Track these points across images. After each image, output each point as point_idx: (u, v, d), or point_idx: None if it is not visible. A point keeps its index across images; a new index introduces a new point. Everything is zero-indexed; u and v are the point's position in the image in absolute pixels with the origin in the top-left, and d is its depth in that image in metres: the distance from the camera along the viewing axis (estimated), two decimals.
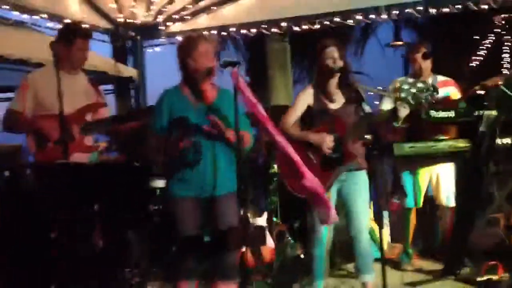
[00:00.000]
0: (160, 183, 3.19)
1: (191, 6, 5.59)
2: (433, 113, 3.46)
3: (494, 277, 3.29)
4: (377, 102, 4.06)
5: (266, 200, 3.75)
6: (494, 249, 3.58)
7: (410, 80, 3.02)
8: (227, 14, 5.60)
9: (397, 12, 5.07)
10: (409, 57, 3.94)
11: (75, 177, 2.32)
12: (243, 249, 2.35)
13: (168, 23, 5.70)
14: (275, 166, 3.79)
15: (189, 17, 5.66)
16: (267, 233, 3.45)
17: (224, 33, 5.66)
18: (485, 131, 3.47)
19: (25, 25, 4.85)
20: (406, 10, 5.01)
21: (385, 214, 4.23)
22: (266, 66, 6.87)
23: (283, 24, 5.44)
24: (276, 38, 6.54)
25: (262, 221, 3.46)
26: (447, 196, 3.78)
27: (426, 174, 3.81)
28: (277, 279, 3.41)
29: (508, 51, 9.62)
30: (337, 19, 5.23)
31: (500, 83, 3.66)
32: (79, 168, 2.48)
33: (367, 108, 2.85)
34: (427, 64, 3.83)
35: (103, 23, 5.50)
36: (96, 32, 5.50)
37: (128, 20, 5.57)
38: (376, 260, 2.98)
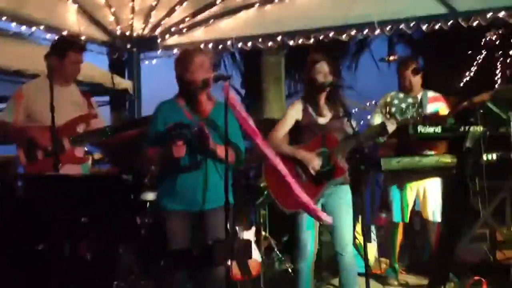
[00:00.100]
0: (150, 196, 3.23)
1: (188, 19, 5.67)
2: (420, 128, 3.52)
3: None
4: (369, 117, 4.14)
5: (255, 214, 3.79)
6: (479, 264, 3.63)
7: (401, 95, 3.08)
8: (224, 28, 5.67)
9: (390, 28, 5.14)
10: (399, 72, 4.01)
11: (65, 189, 2.36)
12: (229, 262, 2.38)
13: (165, 36, 5.78)
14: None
15: (186, 30, 5.74)
16: (255, 246, 3.49)
17: (220, 46, 5.73)
18: (471, 147, 3.53)
19: (23, 37, 4.92)
20: (400, 27, 5.08)
21: (373, 228, 4.28)
22: (261, 79, 6.95)
23: (279, 38, 5.51)
24: (271, 51, 6.62)
25: (250, 234, 3.49)
26: (434, 211, 3.83)
27: (413, 189, 3.86)
28: None
29: (500, 67, 9.72)
30: (331, 34, 5.31)
31: (487, 99, 3.74)
32: (69, 180, 2.52)
33: (354, 124, 2.91)
34: (417, 80, 3.90)
35: (100, 35, 5.56)
36: (93, 44, 5.58)
37: (125, 33, 5.65)
38: (362, 274, 3.02)
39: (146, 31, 5.73)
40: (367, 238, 4.17)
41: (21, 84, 3.35)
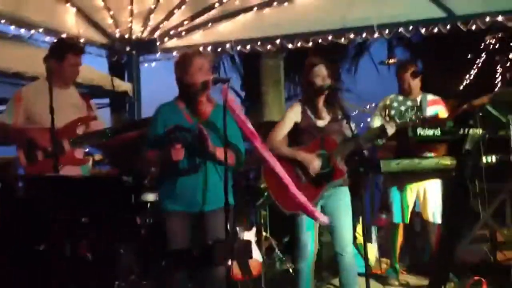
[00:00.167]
0: (150, 197, 3.24)
1: (187, 23, 5.69)
2: (419, 131, 3.53)
3: None
4: (369, 119, 4.15)
5: (256, 215, 3.79)
6: (479, 265, 3.64)
7: (400, 98, 3.10)
8: (223, 31, 5.70)
9: (389, 31, 5.17)
10: (398, 75, 4.03)
11: (65, 190, 2.37)
12: (230, 263, 2.38)
13: (164, 39, 5.80)
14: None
15: (185, 33, 5.76)
16: (256, 247, 3.49)
17: (219, 50, 5.75)
18: (470, 149, 3.54)
19: (23, 39, 4.93)
20: (398, 30, 5.10)
21: (373, 229, 4.29)
22: (260, 82, 6.97)
23: (278, 41, 5.53)
24: (270, 55, 6.64)
25: (250, 235, 3.50)
26: (434, 213, 3.84)
27: (414, 191, 3.87)
28: None
29: (500, 70, 9.75)
30: (330, 37, 5.32)
31: (486, 102, 3.75)
32: (69, 181, 2.53)
33: (353, 126, 2.92)
34: (416, 83, 3.92)
35: (99, 38, 5.58)
36: (92, 47, 5.60)
37: (124, 36, 5.66)
38: (362, 274, 3.02)
39: (145, 34, 5.75)
40: (367, 239, 4.23)
41: (20, 86, 3.35)
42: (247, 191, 3.70)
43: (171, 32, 5.76)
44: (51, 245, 2.40)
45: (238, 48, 5.74)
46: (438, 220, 3.83)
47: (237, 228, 3.43)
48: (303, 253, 3.01)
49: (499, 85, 9.30)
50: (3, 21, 4.58)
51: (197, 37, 5.76)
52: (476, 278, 3.42)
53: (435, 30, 5.02)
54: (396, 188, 3.87)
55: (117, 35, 5.63)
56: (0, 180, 2.45)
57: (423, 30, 5.05)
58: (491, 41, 9.33)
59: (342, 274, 3.03)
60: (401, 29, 5.07)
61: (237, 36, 5.64)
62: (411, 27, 5.04)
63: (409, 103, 3.02)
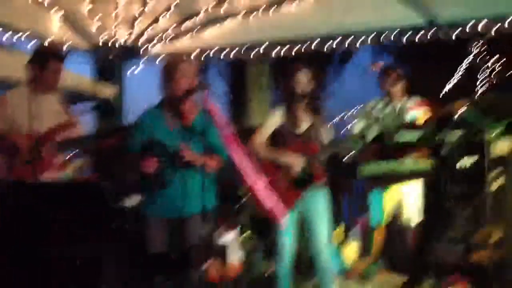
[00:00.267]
0: (131, 202, 3.27)
1: (172, 29, 5.72)
2: (397, 136, 3.60)
3: None
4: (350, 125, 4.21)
5: (239, 216, 3.83)
6: (456, 264, 3.71)
7: (380, 104, 3.16)
8: (209, 36, 5.74)
9: (371, 39, 5.24)
10: (380, 80, 4.10)
11: (44, 195, 2.39)
12: (207, 265, 2.42)
13: (149, 45, 5.82)
14: None
15: (170, 39, 5.79)
16: (236, 249, 3.54)
17: (205, 55, 5.79)
18: (447, 153, 3.63)
19: (7, 44, 4.93)
20: (380, 39, 5.18)
21: (354, 230, 4.36)
22: (245, 87, 7.02)
23: (263, 47, 5.59)
24: (255, 60, 6.70)
25: (232, 237, 3.54)
26: (412, 214, 3.92)
27: (393, 193, 3.95)
28: None
29: (483, 75, 9.92)
30: (314, 45, 5.39)
31: (465, 107, 3.84)
32: (48, 186, 2.55)
33: (332, 132, 2.99)
34: (397, 87, 3.98)
35: (84, 44, 5.59)
36: (77, 52, 5.61)
37: (109, 41, 5.68)
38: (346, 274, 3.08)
39: (130, 40, 5.77)
40: (347, 239, 4.31)
41: (5, 91, 3.36)
42: (228, 195, 3.74)
43: (156, 38, 5.79)
44: (33, 250, 2.42)
45: (223, 54, 5.78)
46: (416, 221, 3.92)
47: (217, 231, 3.46)
48: (282, 255, 3.07)
49: (481, 90, 9.47)
50: None
51: (182, 43, 5.80)
52: (452, 277, 3.50)
53: (416, 38, 5.09)
54: (376, 191, 3.95)
55: (102, 41, 5.64)
56: None
57: (406, 37, 5.13)
58: (475, 46, 9.50)
59: (319, 275, 3.10)
60: (383, 36, 5.15)
61: (223, 43, 5.69)
62: (393, 35, 5.11)
63: (389, 108, 3.10)
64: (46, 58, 2.98)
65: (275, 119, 3.12)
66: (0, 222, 2.39)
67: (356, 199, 4.45)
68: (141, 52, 5.85)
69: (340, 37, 5.32)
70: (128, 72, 6.04)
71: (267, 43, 5.59)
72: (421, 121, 3.98)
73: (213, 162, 2.66)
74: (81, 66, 5.86)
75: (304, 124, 3.12)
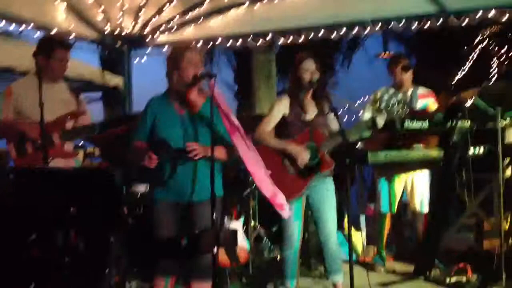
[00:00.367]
0: (141, 188, 3.29)
1: (178, 18, 5.70)
2: (407, 123, 3.58)
3: (463, 279, 3.41)
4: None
5: (245, 205, 3.84)
6: (466, 252, 3.71)
7: (391, 91, 3.14)
8: (214, 26, 5.71)
9: (380, 26, 5.18)
10: (389, 69, 4.07)
11: (54, 182, 2.40)
12: (216, 250, 2.43)
13: (155, 34, 5.81)
14: None
15: (176, 29, 5.77)
16: (243, 235, 3.55)
17: (211, 44, 5.77)
18: (457, 141, 3.60)
19: (13, 35, 4.94)
20: (390, 26, 5.13)
21: (362, 218, 4.37)
22: (252, 76, 7.00)
23: (269, 36, 5.55)
24: (261, 50, 6.66)
25: (238, 224, 3.55)
26: (421, 202, 3.92)
27: (402, 181, 3.95)
28: (252, 279, 3.51)
29: (495, 63, 9.81)
30: (321, 32, 5.34)
31: (475, 95, 3.80)
32: (58, 173, 2.56)
33: (340, 120, 2.96)
34: (406, 76, 3.97)
35: (90, 33, 5.58)
36: (83, 42, 5.60)
37: (115, 31, 5.67)
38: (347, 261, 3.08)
39: (136, 29, 5.76)
40: (355, 228, 4.31)
41: (11, 81, 3.37)
42: (235, 183, 3.74)
43: (162, 27, 5.77)
44: (43, 235, 2.43)
45: (229, 43, 5.75)
46: (425, 210, 3.91)
47: (225, 218, 3.48)
48: (289, 242, 3.07)
49: (493, 78, 9.37)
50: None
51: (188, 32, 5.77)
52: (461, 265, 3.50)
53: (427, 25, 5.03)
54: (385, 179, 3.94)
55: (108, 30, 5.63)
56: None
57: (415, 25, 5.07)
58: (485, 35, 9.39)
59: (326, 262, 3.10)
60: (392, 25, 5.09)
61: (228, 31, 5.65)
62: (403, 22, 5.06)
63: (399, 96, 3.07)
64: (52, 47, 2.99)
65: (281, 108, 3.10)
66: (11, 208, 2.40)
67: (365, 187, 4.45)
68: (146, 41, 5.83)
69: (348, 25, 5.26)
70: (135, 62, 6.04)
71: (273, 32, 5.54)
72: (431, 109, 3.96)
73: (221, 153, 2.64)
74: (88, 56, 5.88)
75: (311, 112, 3.10)
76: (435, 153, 3.76)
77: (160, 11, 5.60)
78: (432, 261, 3.61)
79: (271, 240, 3.89)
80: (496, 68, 9.52)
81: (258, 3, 5.40)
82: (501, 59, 9.63)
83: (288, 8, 5.33)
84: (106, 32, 5.64)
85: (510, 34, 8.98)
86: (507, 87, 3.64)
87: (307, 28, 5.41)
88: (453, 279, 3.45)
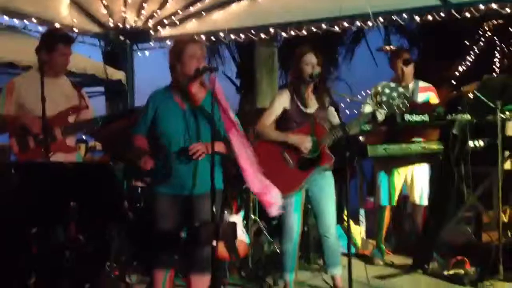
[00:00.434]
0: (142, 181, 3.32)
1: (180, 12, 5.71)
2: (407, 117, 3.59)
3: (461, 271, 3.43)
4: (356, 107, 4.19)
5: (244, 198, 3.87)
6: (465, 245, 3.72)
7: (392, 84, 3.14)
8: (217, 19, 5.71)
9: (383, 19, 5.16)
10: (391, 62, 4.07)
11: (55, 176, 2.43)
12: (215, 243, 2.46)
13: (157, 28, 5.82)
14: None
15: (178, 22, 5.78)
16: (242, 229, 3.58)
17: (213, 38, 5.77)
18: (457, 134, 3.60)
19: (16, 30, 4.96)
20: (393, 18, 5.10)
21: (362, 212, 4.39)
22: (254, 70, 7.00)
23: (271, 30, 5.55)
24: (263, 43, 6.66)
25: (238, 218, 3.58)
26: (420, 195, 3.94)
27: (401, 174, 3.96)
28: (251, 273, 3.54)
29: (499, 56, 9.72)
30: (324, 26, 5.33)
31: (474, 88, 3.80)
32: (60, 167, 2.59)
33: (340, 114, 2.97)
34: (408, 70, 3.97)
35: (93, 28, 5.61)
36: (86, 36, 5.63)
37: (118, 25, 5.69)
38: (353, 255, 3.10)
39: (139, 23, 5.78)
40: (355, 221, 4.34)
41: (15, 75, 3.40)
42: (235, 176, 3.77)
43: (165, 21, 5.78)
44: (44, 229, 2.47)
45: (232, 37, 5.75)
46: (425, 202, 3.92)
47: (225, 211, 3.51)
48: (289, 235, 3.10)
49: (496, 70, 9.30)
50: None
51: (190, 26, 5.78)
52: (459, 257, 3.52)
53: (430, 18, 5.01)
54: (384, 172, 3.96)
55: (111, 24, 5.65)
56: None
57: (417, 18, 5.05)
58: (487, 28, 9.31)
59: (326, 255, 3.13)
60: (395, 17, 5.07)
61: (231, 25, 5.65)
62: (405, 15, 5.04)
63: (400, 89, 3.08)
64: (54, 42, 3.00)
65: (282, 101, 3.12)
66: (13, 202, 2.44)
67: (364, 181, 4.46)
68: (149, 36, 5.85)
69: (350, 19, 5.24)
70: (138, 55, 6.06)
71: (275, 25, 5.53)
72: (434, 102, 3.97)
73: (221, 147, 2.67)
74: (91, 50, 5.90)
75: (312, 106, 3.11)
76: (435, 146, 3.77)
77: (162, 5, 5.62)
78: (430, 254, 3.63)
79: (270, 234, 3.92)
80: (499, 62, 9.45)
81: None
82: (504, 53, 9.56)
83: (290, 2, 5.32)
84: (108, 27, 5.66)
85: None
86: (506, 81, 3.63)
87: (309, 21, 5.40)
88: (452, 272, 3.47)
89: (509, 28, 8.89)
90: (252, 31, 5.64)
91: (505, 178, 3.47)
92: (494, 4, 4.66)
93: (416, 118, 3.67)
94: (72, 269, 2.45)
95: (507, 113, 3.56)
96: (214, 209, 2.46)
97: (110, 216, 2.62)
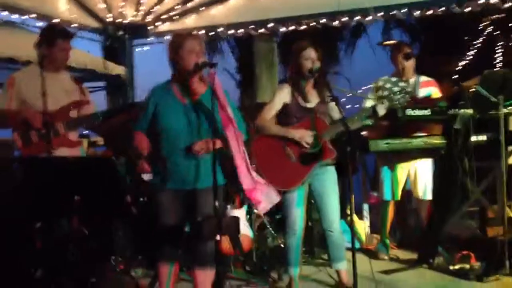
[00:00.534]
0: (146, 176, 3.31)
1: (179, 7, 5.68)
2: (409, 111, 3.57)
3: (466, 266, 3.43)
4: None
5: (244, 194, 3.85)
6: (470, 240, 3.72)
7: (393, 79, 3.13)
8: (215, 14, 5.69)
9: (382, 14, 5.15)
10: (392, 57, 4.05)
11: (59, 170, 2.42)
12: (218, 237, 2.45)
13: (156, 23, 5.79)
14: None
15: (177, 17, 5.75)
16: (246, 223, 3.57)
17: (212, 33, 5.75)
18: (459, 129, 3.59)
19: (15, 25, 4.93)
20: (392, 12, 5.09)
21: (366, 207, 4.38)
22: (254, 65, 6.99)
23: (270, 25, 5.52)
24: (263, 38, 6.65)
25: (241, 212, 3.57)
26: (424, 190, 3.91)
27: (404, 169, 3.94)
28: (255, 267, 3.54)
29: (500, 51, 9.70)
30: (323, 20, 5.31)
31: (476, 83, 3.78)
32: (62, 162, 2.58)
33: (341, 108, 2.96)
34: (409, 64, 3.94)
35: (92, 22, 5.58)
36: (85, 31, 5.59)
37: (117, 20, 5.66)
38: (357, 250, 3.11)
39: (138, 18, 5.75)
40: (359, 216, 4.32)
41: (15, 71, 3.37)
42: (233, 172, 3.75)
43: (164, 16, 5.75)
44: (49, 223, 2.46)
45: (231, 32, 5.72)
46: (428, 197, 3.91)
47: (227, 206, 3.50)
48: (292, 229, 3.08)
49: (497, 65, 9.28)
50: None
51: (189, 21, 5.76)
52: (464, 252, 3.51)
53: (429, 12, 4.99)
54: (387, 167, 3.94)
55: (110, 19, 5.62)
56: None
57: (417, 13, 5.03)
58: (488, 22, 9.29)
59: (330, 249, 3.12)
60: (394, 12, 5.05)
61: (230, 20, 5.63)
62: (405, 10, 5.02)
63: (401, 84, 3.06)
64: (54, 37, 2.99)
65: (282, 96, 3.10)
66: (17, 197, 2.43)
67: (367, 175, 4.45)
68: (148, 30, 5.82)
69: (348, 13, 5.22)
70: (137, 50, 6.04)
71: (274, 20, 5.50)
72: (436, 96, 3.95)
73: (222, 144, 2.66)
74: (91, 45, 5.88)
75: (313, 101, 3.10)
76: (437, 141, 3.76)
77: (161, 0, 5.59)
78: (435, 249, 3.62)
79: (274, 228, 3.91)
80: (504, 56, 9.43)
81: None
82: (506, 47, 9.55)
83: None
84: (108, 22, 5.63)
85: None
86: (507, 75, 3.62)
87: (308, 16, 5.37)
88: (457, 267, 3.46)
89: (510, 22, 8.88)
90: (252, 26, 5.61)
91: (509, 173, 3.46)
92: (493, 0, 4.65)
93: (418, 112, 3.66)
94: (77, 263, 2.44)
95: (509, 108, 3.55)
96: (216, 204, 2.45)
97: (113, 210, 2.61)
